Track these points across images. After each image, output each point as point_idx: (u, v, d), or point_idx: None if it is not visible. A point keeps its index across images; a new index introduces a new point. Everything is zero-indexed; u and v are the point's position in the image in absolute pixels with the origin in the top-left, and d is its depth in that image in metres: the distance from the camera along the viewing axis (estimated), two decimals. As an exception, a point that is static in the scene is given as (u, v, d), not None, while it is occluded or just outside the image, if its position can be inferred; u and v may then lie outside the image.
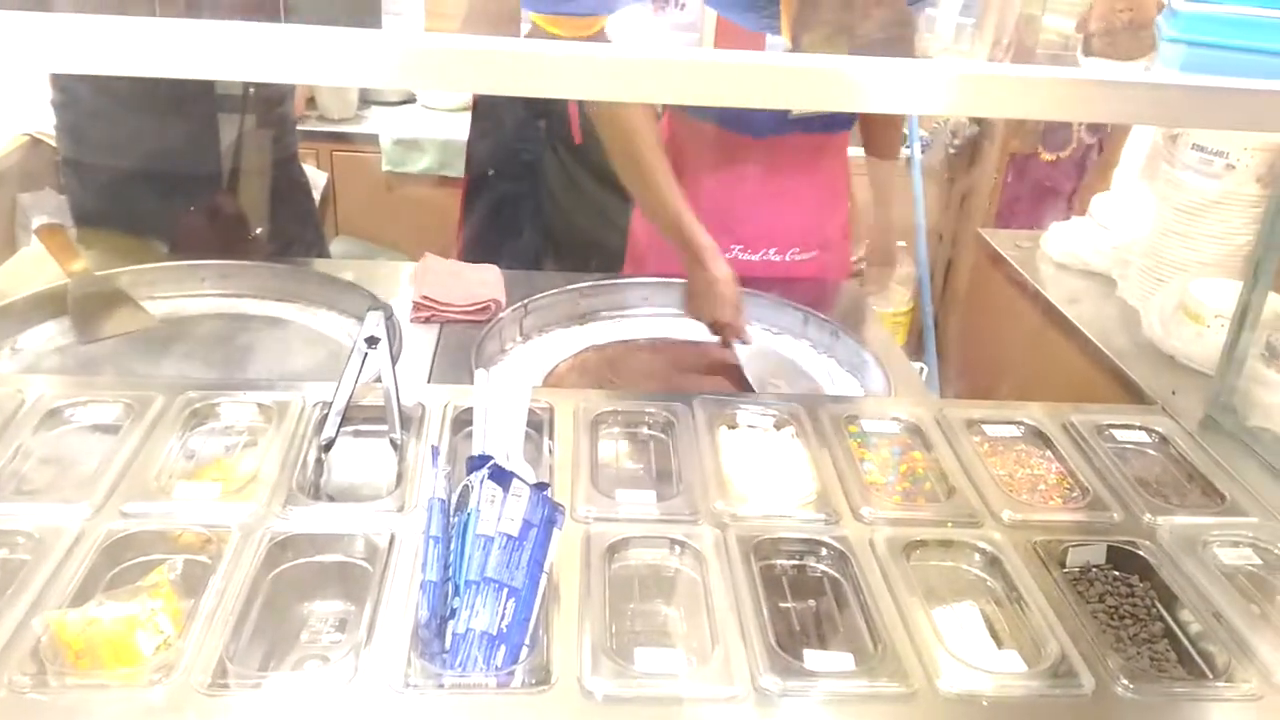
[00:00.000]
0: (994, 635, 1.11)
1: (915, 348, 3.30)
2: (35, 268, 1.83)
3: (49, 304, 1.73)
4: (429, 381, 1.62)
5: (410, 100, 3.47)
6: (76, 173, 2.05)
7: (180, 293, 1.86)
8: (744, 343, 1.73)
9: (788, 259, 2.02)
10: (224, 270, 1.91)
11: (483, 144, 2.64)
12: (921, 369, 3.24)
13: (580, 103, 2.42)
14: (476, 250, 2.52)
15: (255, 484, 1.18)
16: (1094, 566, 1.20)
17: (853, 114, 2.00)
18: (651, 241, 2.08)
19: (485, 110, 2.63)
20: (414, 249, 2.55)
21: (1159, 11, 0.88)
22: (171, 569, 1.05)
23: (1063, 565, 1.19)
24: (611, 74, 0.65)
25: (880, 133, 2.16)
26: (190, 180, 2.05)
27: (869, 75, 0.65)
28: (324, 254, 2.27)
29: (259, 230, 1.68)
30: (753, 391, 1.65)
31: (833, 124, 1.97)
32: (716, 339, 1.76)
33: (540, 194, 2.59)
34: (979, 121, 3.37)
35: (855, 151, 2.10)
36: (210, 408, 1.32)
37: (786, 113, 1.86)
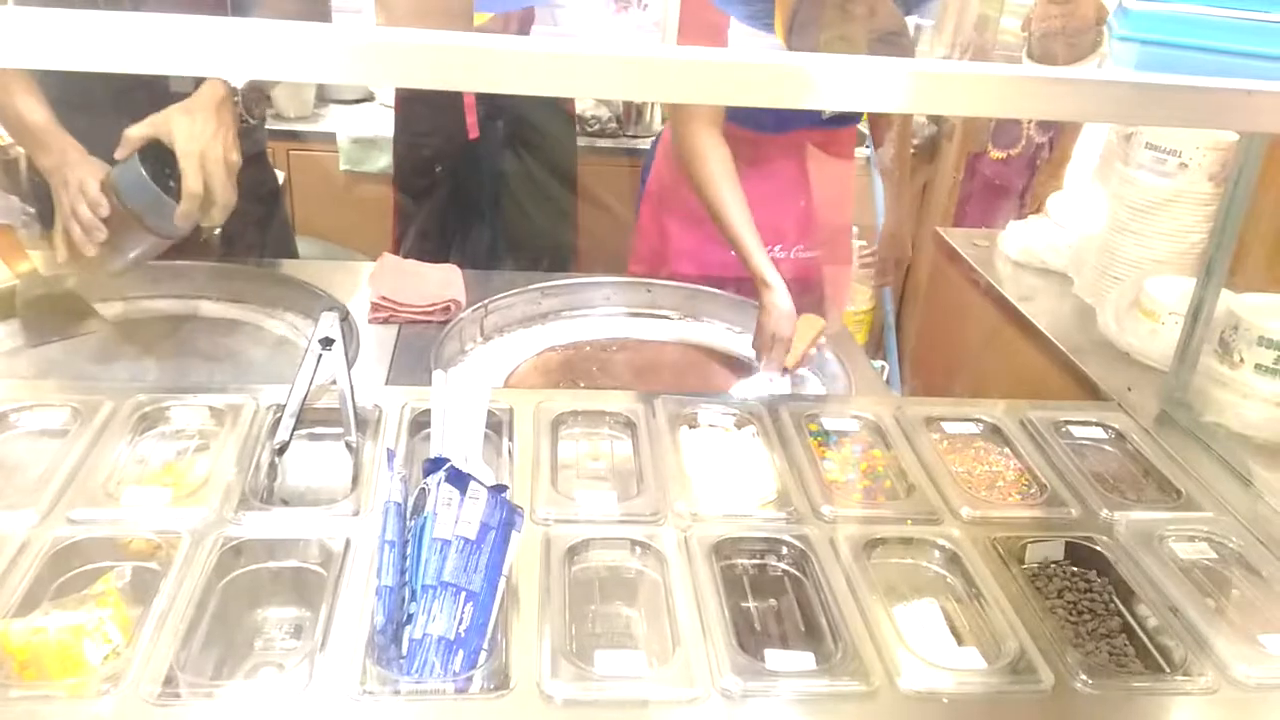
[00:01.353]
0: (954, 632, 1.11)
1: (876, 347, 3.32)
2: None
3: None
4: (387, 383, 1.60)
5: (368, 98, 3.43)
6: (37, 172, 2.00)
7: (133, 294, 1.83)
8: (777, 374, 1.69)
9: (792, 256, 2.02)
10: (177, 271, 1.87)
11: (405, 142, 2.61)
12: (883, 367, 3.27)
13: (481, 97, 2.39)
14: (418, 251, 2.49)
15: (206, 489, 1.15)
16: (1053, 562, 1.21)
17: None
18: (658, 240, 2.06)
19: (405, 109, 2.60)
20: (373, 249, 2.52)
21: (1097, 17, 0.89)
22: (120, 576, 1.02)
23: (1022, 561, 1.19)
24: (559, 70, 0.64)
25: (888, 124, 2.16)
26: None
27: (824, 73, 0.64)
28: (294, 254, 2.22)
29: (216, 232, 1.65)
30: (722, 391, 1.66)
31: (842, 119, 1.96)
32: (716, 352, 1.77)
33: (472, 190, 2.57)
34: (937, 120, 3.39)
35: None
36: (160, 411, 1.29)
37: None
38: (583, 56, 0.64)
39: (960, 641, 1.10)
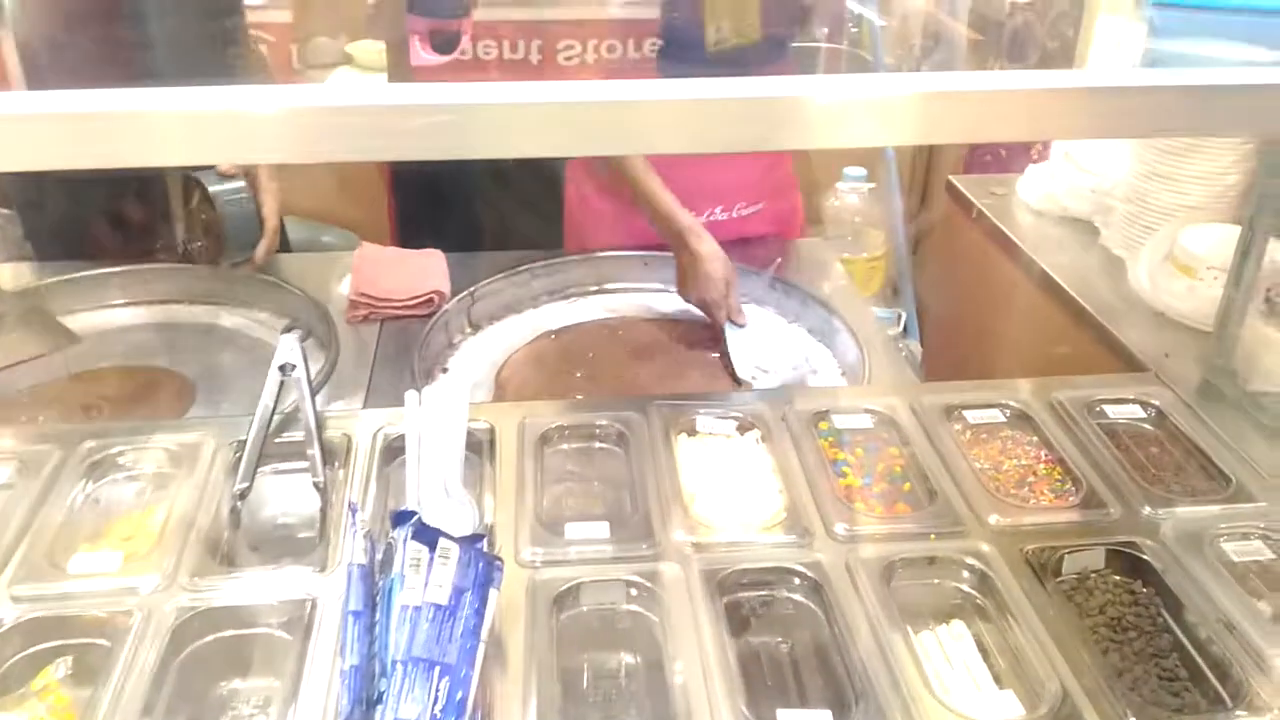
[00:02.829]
0: (987, 662, 1.01)
1: (887, 295, 3.17)
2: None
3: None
4: (369, 389, 1.49)
5: (344, 62, 3.26)
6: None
7: (100, 304, 1.73)
8: (737, 324, 1.64)
9: (735, 215, 1.90)
10: (145, 276, 1.77)
11: None
12: (899, 315, 3.13)
13: None
14: (412, 232, 2.36)
15: (160, 550, 1.05)
16: (1093, 572, 1.10)
17: (784, 44, 1.86)
18: (587, 208, 1.95)
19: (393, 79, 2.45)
20: (362, 227, 2.40)
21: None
22: (63, 666, 0.93)
23: (1058, 574, 1.09)
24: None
25: None
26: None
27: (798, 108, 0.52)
28: None
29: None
30: (731, 366, 1.57)
31: (760, 57, 1.81)
32: (707, 320, 1.68)
33: (473, 167, 2.43)
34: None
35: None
36: (111, 459, 1.19)
37: (700, 49, 1.73)
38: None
39: (994, 673, 1.00)
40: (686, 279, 1.66)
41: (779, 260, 1.81)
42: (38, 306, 1.64)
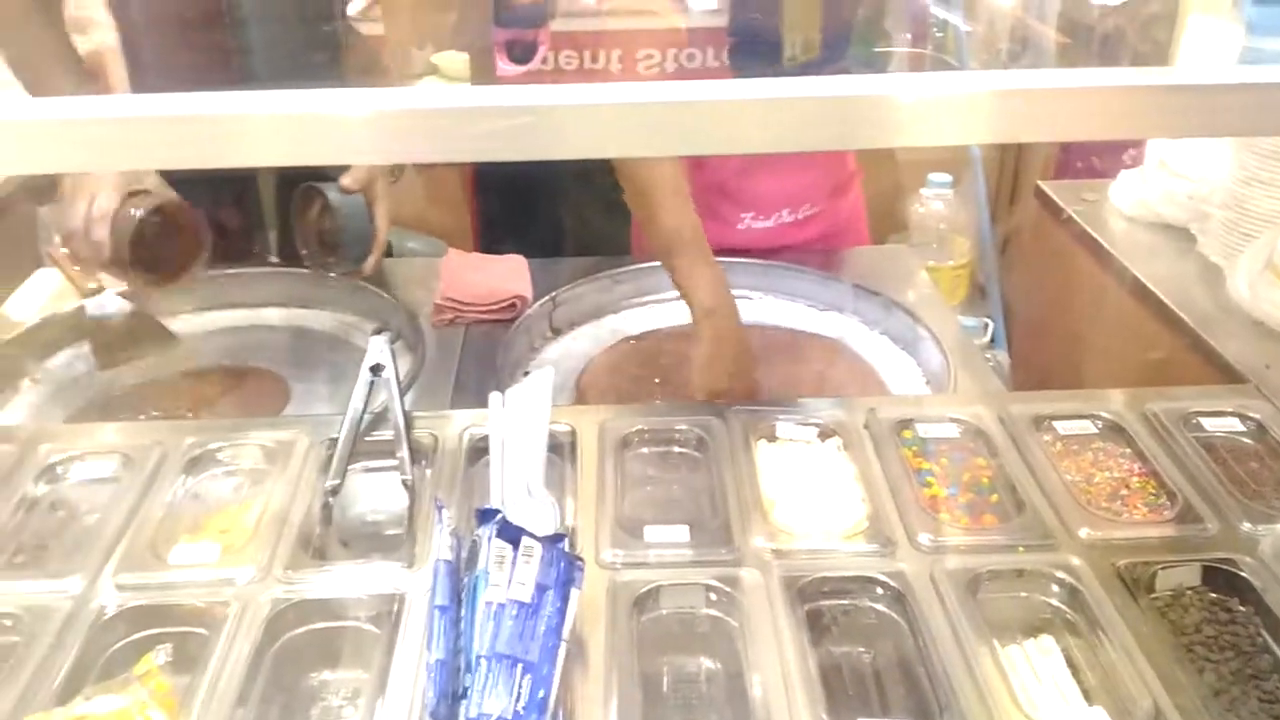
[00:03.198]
0: (1077, 678, 0.99)
1: (974, 303, 3.12)
2: (56, 287, 1.77)
3: (68, 328, 1.66)
4: (453, 390, 1.53)
5: (430, 72, 3.33)
6: None
7: (201, 305, 1.79)
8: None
9: (801, 217, 1.90)
10: (242, 280, 1.83)
11: None
12: (986, 325, 3.07)
13: None
14: (494, 238, 2.40)
15: (255, 543, 1.09)
16: (1188, 589, 1.07)
17: (844, 47, 1.85)
18: None
19: None
20: (451, 235, 2.45)
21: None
22: (164, 653, 0.97)
23: (1151, 590, 1.06)
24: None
25: None
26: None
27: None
28: None
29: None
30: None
31: (823, 62, 1.80)
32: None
33: (553, 173, 2.46)
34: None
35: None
36: (210, 454, 1.23)
37: (778, 62, 1.72)
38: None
39: (1084, 689, 0.97)
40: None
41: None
42: (141, 309, 1.71)
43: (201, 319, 1.77)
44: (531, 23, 1.62)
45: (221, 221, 1.92)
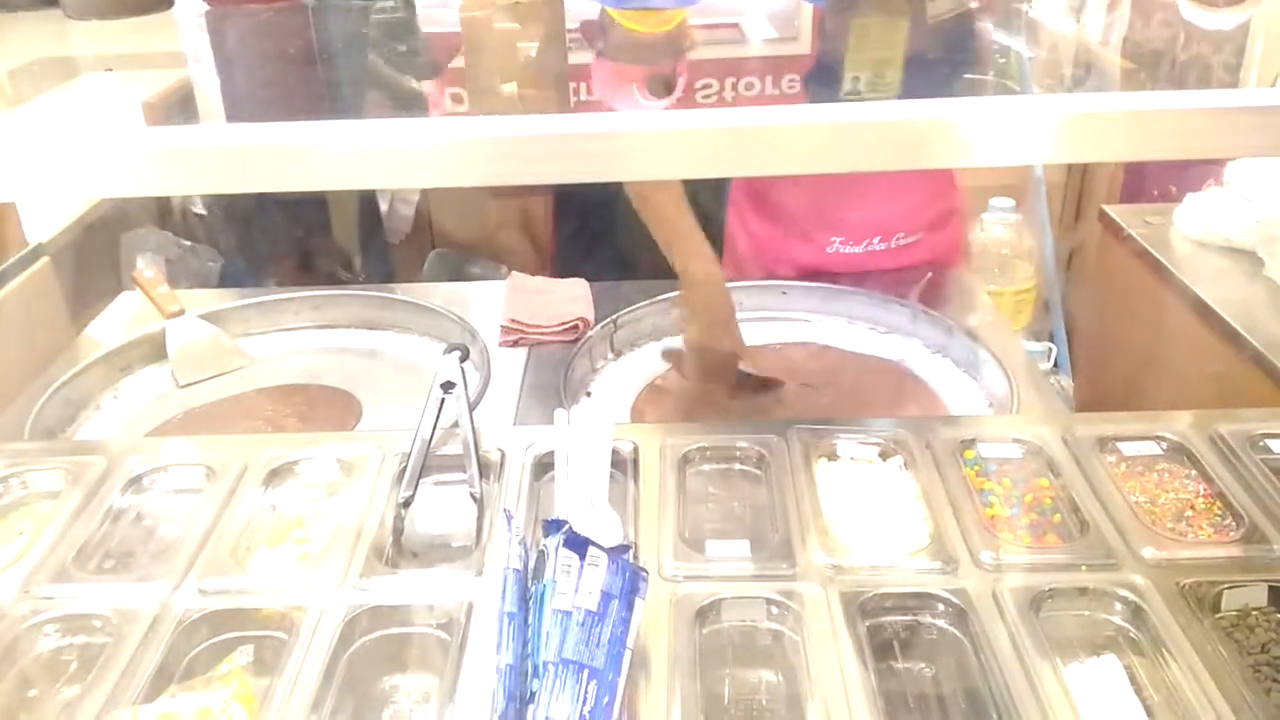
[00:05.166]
0: (1140, 697, 0.98)
1: (1037, 328, 3.09)
2: (139, 310, 1.86)
3: (149, 348, 1.74)
4: (518, 409, 1.56)
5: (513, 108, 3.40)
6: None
7: (273, 327, 1.86)
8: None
9: (893, 245, 1.90)
10: (315, 302, 1.90)
11: None
12: (1049, 350, 3.04)
13: None
14: (569, 262, 2.45)
15: (330, 551, 1.13)
16: (1254, 610, 1.06)
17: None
18: (752, 242, 1.98)
19: None
20: (518, 260, 2.50)
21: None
22: (244, 654, 1.01)
23: (1217, 610, 1.05)
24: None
25: None
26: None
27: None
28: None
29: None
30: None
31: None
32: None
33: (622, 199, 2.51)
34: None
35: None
36: (288, 467, 1.28)
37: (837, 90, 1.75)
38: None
39: (1147, 707, 0.97)
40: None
41: (929, 274, 1.79)
42: (216, 332, 1.78)
43: (277, 340, 1.83)
44: (671, 56, 1.64)
45: (308, 247, 2.01)
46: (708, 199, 2.19)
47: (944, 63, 1.83)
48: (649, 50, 1.51)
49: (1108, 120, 0.60)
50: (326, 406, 1.62)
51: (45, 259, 1.85)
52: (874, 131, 0.69)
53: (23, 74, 1.36)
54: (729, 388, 1.59)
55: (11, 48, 1.45)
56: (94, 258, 2.06)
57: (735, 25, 2.71)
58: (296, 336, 1.86)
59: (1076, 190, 2.92)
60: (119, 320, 1.87)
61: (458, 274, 2.83)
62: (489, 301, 1.87)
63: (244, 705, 0.96)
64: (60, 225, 1.94)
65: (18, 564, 1.13)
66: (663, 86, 1.55)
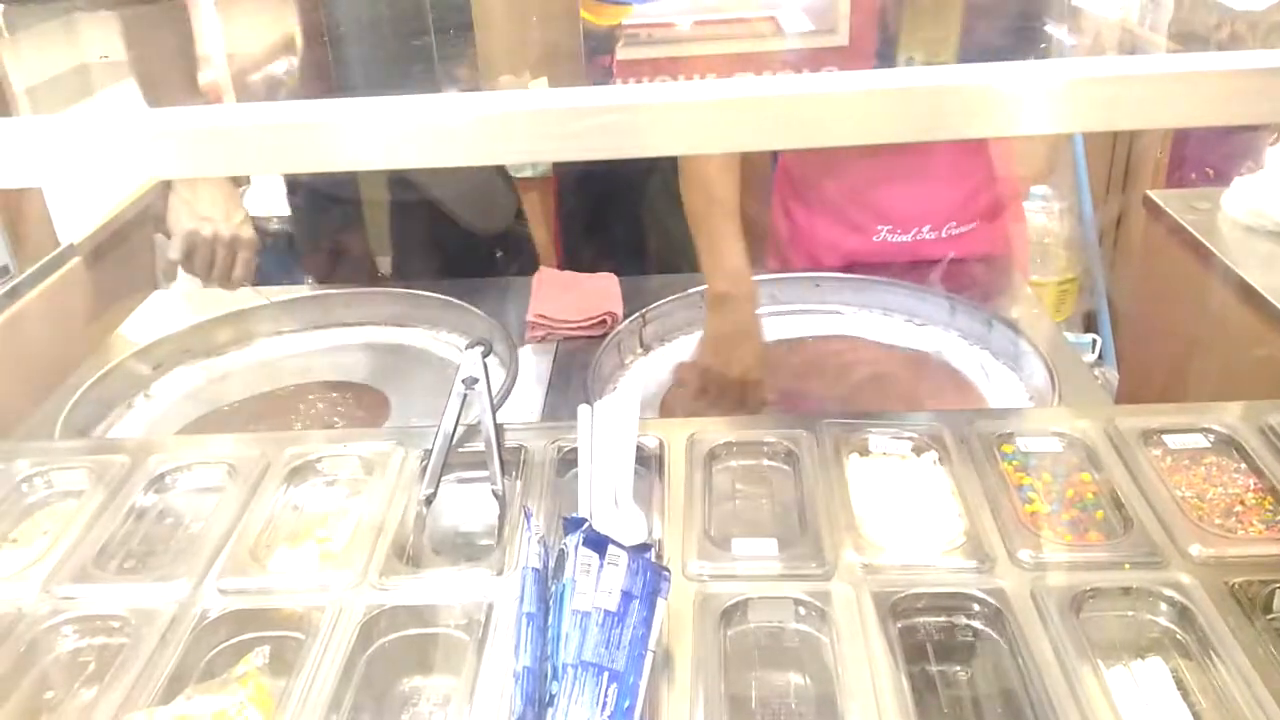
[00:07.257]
0: (1187, 700, 0.94)
1: (1080, 319, 3.02)
2: (170, 311, 1.87)
3: (181, 347, 1.74)
4: (545, 404, 1.54)
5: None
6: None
7: (307, 325, 1.85)
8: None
9: (944, 235, 1.85)
10: (344, 299, 1.89)
11: None
12: (1094, 341, 2.97)
13: None
14: (577, 256, 2.41)
15: (351, 550, 1.12)
16: (1309, 610, 1.01)
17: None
18: (795, 234, 1.95)
19: None
20: (547, 257, 2.48)
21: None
22: (260, 655, 1.00)
23: (1268, 610, 1.00)
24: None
25: None
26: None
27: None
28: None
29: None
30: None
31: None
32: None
33: (636, 192, 2.47)
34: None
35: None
36: (310, 464, 1.27)
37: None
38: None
39: (1194, 711, 0.92)
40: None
41: (950, 255, 1.74)
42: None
43: (308, 337, 1.83)
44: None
45: (341, 245, 2.00)
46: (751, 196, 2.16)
47: (992, 45, 1.78)
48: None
49: (1159, 83, 0.56)
50: (354, 403, 1.61)
51: (77, 259, 1.86)
52: (923, 100, 0.66)
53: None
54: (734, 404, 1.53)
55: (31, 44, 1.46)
56: (126, 258, 2.07)
57: (771, 19, 2.69)
58: (327, 334, 1.85)
59: (1120, 177, 2.84)
60: (151, 320, 1.87)
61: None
62: (518, 296, 1.85)
63: (260, 708, 0.94)
64: (92, 226, 1.94)
65: (40, 563, 1.13)
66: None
